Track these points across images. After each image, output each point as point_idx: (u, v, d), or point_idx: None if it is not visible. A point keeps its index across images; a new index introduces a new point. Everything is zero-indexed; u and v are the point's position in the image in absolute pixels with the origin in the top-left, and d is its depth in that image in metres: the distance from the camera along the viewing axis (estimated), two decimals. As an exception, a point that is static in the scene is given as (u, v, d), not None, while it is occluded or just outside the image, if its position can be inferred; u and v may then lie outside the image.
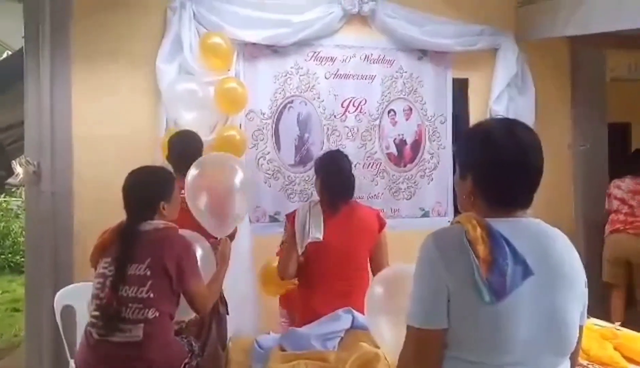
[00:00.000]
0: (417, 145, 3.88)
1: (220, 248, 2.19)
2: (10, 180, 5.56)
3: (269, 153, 3.59)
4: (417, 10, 3.73)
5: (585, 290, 1.20)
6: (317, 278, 2.26)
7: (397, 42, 3.76)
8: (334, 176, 2.42)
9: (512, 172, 1.16)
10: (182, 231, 2.03)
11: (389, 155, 3.82)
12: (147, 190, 1.98)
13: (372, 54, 3.75)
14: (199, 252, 2.10)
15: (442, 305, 1.10)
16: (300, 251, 2.28)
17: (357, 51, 3.72)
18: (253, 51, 3.50)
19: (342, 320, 1.78)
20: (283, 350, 1.67)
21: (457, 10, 3.82)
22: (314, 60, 3.64)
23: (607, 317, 3.58)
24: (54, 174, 3.15)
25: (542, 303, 1.09)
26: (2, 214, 8.65)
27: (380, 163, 3.80)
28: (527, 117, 3.92)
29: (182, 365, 1.88)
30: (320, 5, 3.55)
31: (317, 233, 2.24)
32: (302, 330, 1.77)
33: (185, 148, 2.71)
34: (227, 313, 2.66)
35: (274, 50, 3.55)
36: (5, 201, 8.93)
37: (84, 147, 3.24)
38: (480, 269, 1.06)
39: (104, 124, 3.27)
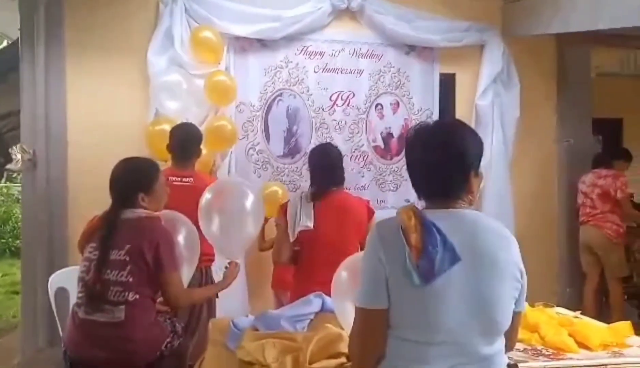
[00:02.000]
0: (403, 138, 3.98)
1: (228, 271, 2.26)
2: (10, 166, 5.71)
3: (258, 143, 3.70)
4: (405, 7, 3.82)
5: (523, 281, 1.30)
6: (310, 265, 2.37)
7: (385, 37, 3.84)
8: (320, 167, 2.54)
9: (424, 169, 1.30)
10: (168, 212, 2.15)
11: (375, 148, 3.93)
12: (126, 181, 2.07)
13: (360, 49, 3.84)
14: (182, 233, 2.22)
15: (381, 287, 1.22)
16: (292, 239, 2.40)
17: (346, 45, 3.81)
18: (243, 44, 3.60)
19: (312, 303, 1.90)
20: (256, 330, 1.79)
21: (445, 7, 3.91)
22: (303, 54, 3.73)
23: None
24: (49, 161, 3.28)
25: (470, 288, 1.20)
26: (2, 200, 8.80)
27: (367, 156, 3.91)
28: (512, 112, 4.03)
29: (164, 345, 1.99)
30: (310, 1, 3.63)
31: (307, 222, 2.35)
32: (274, 312, 1.89)
33: (185, 139, 2.80)
34: (217, 296, 2.77)
35: (264, 44, 3.64)
36: (6, 186, 9.09)
37: (78, 134, 3.37)
38: (411, 255, 1.19)
39: (98, 112, 3.39)
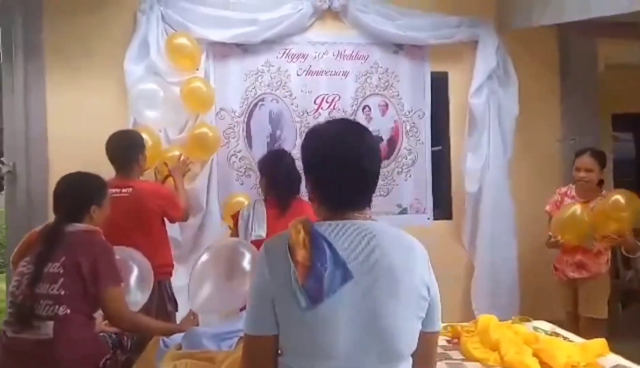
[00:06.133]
0: (393, 141, 3.81)
1: (186, 319, 2.17)
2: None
3: (240, 150, 3.61)
4: (390, 4, 3.66)
5: (431, 297, 1.15)
6: None
7: (371, 36, 3.69)
8: (278, 175, 2.44)
9: (336, 174, 1.16)
10: (126, 251, 2.09)
11: (363, 151, 3.77)
12: (80, 193, 2.07)
13: (345, 50, 3.70)
14: (134, 272, 2.17)
15: (268, 312, 1.09)
16: None
17: (330, 47, 3.68)
18: (223, 50, 3.53)
19: (242, 319, 1.78)
20: (180, 349, 1.70)
21: (433, 2, 3.72)
22: (285, 57, 3.63)
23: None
24: (29, 174, 3.29)
25: (363, 308, 1.07)
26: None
27: (355, 160, 3.75)
28: (510, 110, 3.80)
29: (103, 362, 1.91)
30: (289, 3, 3.53)
31: (260, 231, 2.26)
32: (198, 330, 1.79)
33: (118, 148, 2.74)
34: (177, 310, 2.70)
35: (244, 48, 3.56)
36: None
37: (58, 147, 3.37)
38: (297, 273, 1.05)
39: (78, 124, 3.38)
